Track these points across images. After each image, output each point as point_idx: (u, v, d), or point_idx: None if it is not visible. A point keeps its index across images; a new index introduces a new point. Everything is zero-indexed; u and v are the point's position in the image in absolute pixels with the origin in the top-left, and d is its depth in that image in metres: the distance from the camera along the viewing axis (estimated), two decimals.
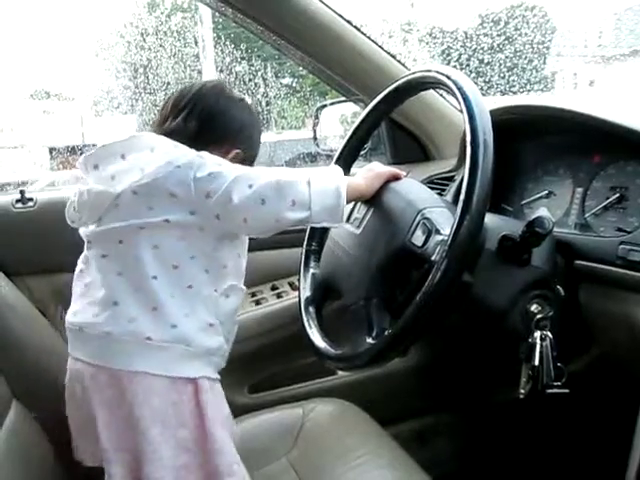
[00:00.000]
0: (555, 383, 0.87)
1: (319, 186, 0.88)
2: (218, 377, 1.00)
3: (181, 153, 0.91)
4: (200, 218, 0.90)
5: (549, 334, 0.87)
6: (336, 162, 1.15)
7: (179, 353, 0.92)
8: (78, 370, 0.95)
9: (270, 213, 0.88)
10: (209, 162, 0.90)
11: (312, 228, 1.14)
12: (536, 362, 0.86)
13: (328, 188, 0.89)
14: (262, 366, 1.42)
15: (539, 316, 0.88)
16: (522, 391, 0.90)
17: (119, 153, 0.93)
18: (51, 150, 3.62)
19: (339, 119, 1.86)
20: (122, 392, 0.90)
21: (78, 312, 0.96)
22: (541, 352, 0.86)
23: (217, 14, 1.54)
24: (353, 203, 1.03)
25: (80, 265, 1.00)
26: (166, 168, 0.88)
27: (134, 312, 0.91)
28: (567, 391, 0.88)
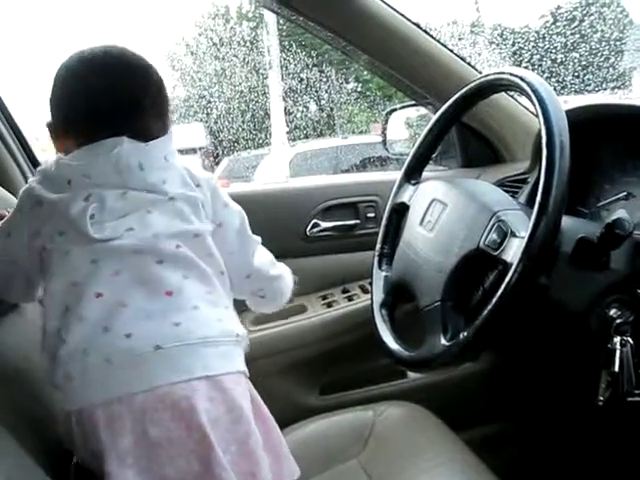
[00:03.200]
0: (636, 391, 0.85)
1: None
2: None
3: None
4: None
5: (630, 340, 0.85)
6: (407, 167, 1.16)
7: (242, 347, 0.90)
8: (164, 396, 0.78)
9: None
10: None
11: (385, 231, 1.15)
12: (616, 368, 0.84)
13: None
14: (333, 368, 1.44)
15: (619, 321, 0.85)
16: (601, 398, 0.88)
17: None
18: None
19: (405, 122, 1.86)
20: (226, 398, 0.80)
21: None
22: (621, 358, 0.84)
23: (282, 21, 1.57)
24: (426, 206, 1.04)
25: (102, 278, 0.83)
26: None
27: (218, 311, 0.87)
28: None
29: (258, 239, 1.00)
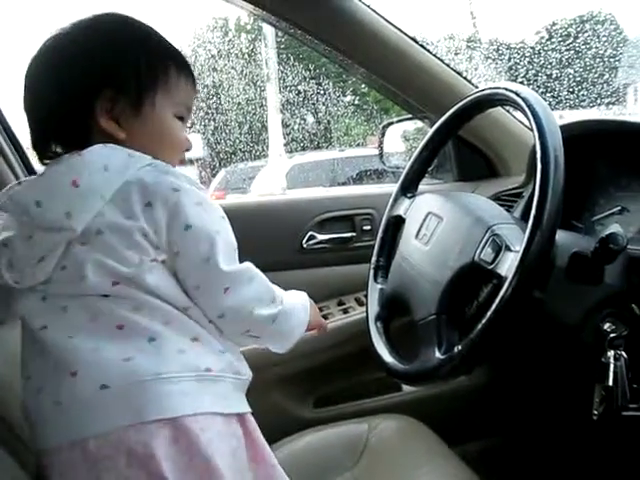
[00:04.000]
0: (631, 405, 0.85)
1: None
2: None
3: None
4: None
5: (623, 354, 0.85)
6: (403, 180, 1.17)
7: (232, 384, 0.80)
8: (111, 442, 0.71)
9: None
10: None
11: (380, 244, 1.15)
12: (610, 382, 0.84)
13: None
14: (328, 381, 1.44)
15: (612, 335, 0.86)
16: (595, 412, 0.88)
17: None
18: None
19: (401, 136, 1.87)
20: (191, 444, 0.72)
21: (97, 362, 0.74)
22: (615, 372, 0.84)
23: (280, 34, 1.59)
24: (422, 219, 1.04)
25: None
26: None
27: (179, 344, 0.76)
28: None
29: (241, 269, 0.81)
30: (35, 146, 0.84)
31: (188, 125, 0.92)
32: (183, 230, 0.75)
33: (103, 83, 0.79)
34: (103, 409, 0.71)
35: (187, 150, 0.90)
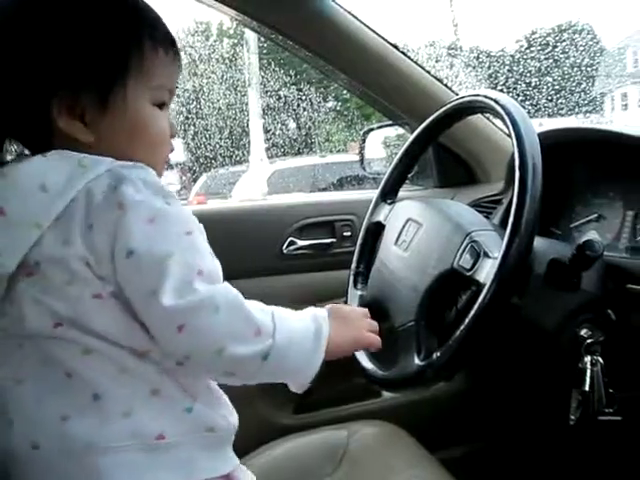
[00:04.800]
0: (607, 410, 0.86)
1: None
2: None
3: None
4: None
5: (600, 359, 0.86)
6: (383, 186, 1.17)
7: (201, 445, 0.68)
8: None
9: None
10: None
11: (360, 250, 1.15)
12: (587, 387, 0.85)
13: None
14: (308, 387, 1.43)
15: (589, 341, 0.87)
16: (572, 417, 0.89)
17: None
18: None
19: (383, 142, 1.88)
20: None
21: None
22: (592, 377, 0.85)
23: (262, 39, 1.58)
24: (402, 226, 1.04)
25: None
26: None
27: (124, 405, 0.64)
28: (619, 418, 0.86)
29: (201, 298, 0.62)
30: None
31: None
32: (124, 257, 0.61)
33: (56, 82, 0.64)
34: (32, 473, 0.63)
35: (172, 137, 0.75)
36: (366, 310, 0.82)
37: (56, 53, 0.64)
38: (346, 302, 1.14)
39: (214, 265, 0.66)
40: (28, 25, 0.65)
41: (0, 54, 0.65)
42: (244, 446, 1.09)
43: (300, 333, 0.68)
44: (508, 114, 0.88)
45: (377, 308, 1.06)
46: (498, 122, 1.42)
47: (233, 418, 0.73)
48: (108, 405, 0.63)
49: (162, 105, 0.71)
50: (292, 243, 1.49)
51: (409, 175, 1.21)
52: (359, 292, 1.13)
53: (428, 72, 1.47)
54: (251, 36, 4.39)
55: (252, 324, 0.65)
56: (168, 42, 0.71)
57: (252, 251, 1.47)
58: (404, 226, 1.04)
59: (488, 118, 1.50)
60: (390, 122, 1.65)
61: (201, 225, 0.69)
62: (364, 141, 1.69)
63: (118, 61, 0.66)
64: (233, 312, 0.64)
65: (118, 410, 0.63)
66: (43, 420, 0.62)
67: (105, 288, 0.62)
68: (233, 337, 0.63)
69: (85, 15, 0.66)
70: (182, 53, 0.78)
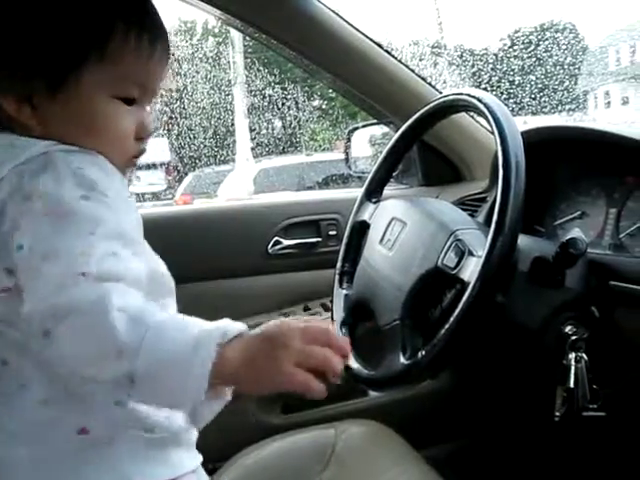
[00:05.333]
0: (591, 406, 0.87)
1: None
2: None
3: None
4: None
5: (584, 356, 0.87)
6: (368, 185, 1.17)
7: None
8: None
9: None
10: None
11: (345, 249, 1.15)
12: (571, 384, 0.86)
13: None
14: None
15: (573, 337, 0.87)
16: (557, 413, 0.90)
17: None
18: None
19: (369, 140, 1.88)
20: None
21: None
22: (576, 374, 0.86)
23: (247, 38, 1.58)
24: (386, 225, 1.04)
25: None
26: None
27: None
28: (603, 414, 0.87)
29: (70, 300, 0.55)
30: None
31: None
32: (15, 251, 0.57)
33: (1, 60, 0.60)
34: None
35: (141, 139, 0.68)
36: (327, 330, 0.59)
37: (6, 29, 0.60)
38: (332, 301, 1.14)
39: (117, 272, 0.56)
40: None
41: None
42: (232, 446, 1.09)
43: (173, 355, 0.54)
44: (491, 112, 0.89)
45: (362, 307, 1.06)
46: (482, 120, 1.43)
47: (179, 419, 0.65)
48: (28, 394, 0.60)
49: (130, 101, 0.65)
50: (277, 243, 1.49)
51: (394, 174, 1.21)
52: (344, 291, 1.13)
53: (412, 71, 1.48)
54: (236, 35, 4.38)
55: (110, 341, 0.54)
56: (148, 30, 0.63)
57: (238, 251, 1.46)
58: (389, 225, 1.04)
59: (472, 116, 1.50)
60: (375, 121, 1.65)
61: (133, 229, 0.63)
62: (349, 140, 1.69)
63: (75, 43, 0.60)
64: (95, 330, 0.54)
65: (35, 398, 0.61)
66: None
67: (11, 282, 0.59)
68: (83, 358, 0.56)
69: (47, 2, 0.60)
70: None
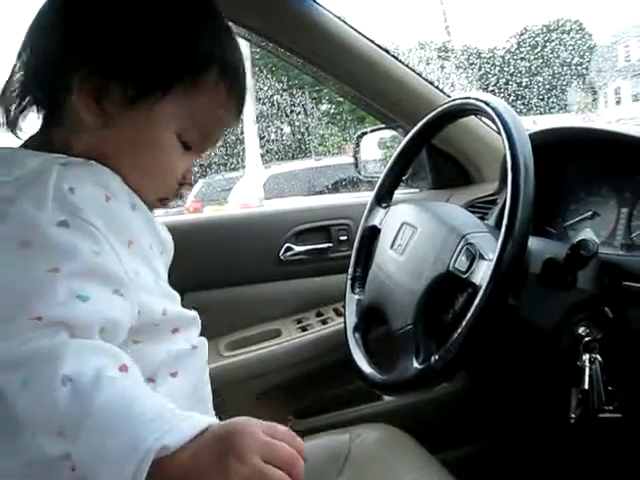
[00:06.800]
0: (607, 407, 0.86)
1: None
2: None
3: None
4: None
5: (598, 357, 0.86)
6: (378, 190, 1.18)
7: None
8: None
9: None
10: None
11: (357, 255, 1.16)
12: (586, 386, 0.86)
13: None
14: (308, 392, 1.43)
15: (587, 339, 0.87)
16: (573, 415, 0.90)
17: None
18: None
19: (378, 143, 1.89)
20: None
21: None
22: (590, 375, 0.86)
23: (254, 46, 1.58)
24: (397, 229, 1.05)
25: None
26: None
27: None
28: (619, 415, 0.87)
29: (22, 352, 0.50)
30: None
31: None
32: None
33: (80, 58, 0.59)
34: None
35: (183, 184, 0.66)
36: (293, 453, 0.52)
37: (126, 23, 0.59)
38: (344, 306, 1.15)
39: (78, 317, 0.51)
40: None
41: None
42: None
43: (110, 452, 0.47)
44: (499, 115, 0.89)
45: (375, 312, 1.06)
46: (490, 122, 1.43)
47: None
48: None
49: (187, 146, 0.64)
50: (289, 249, 1.49)
51: (403, 178, 1.21)
52: (357, 296, 1.13)
53: (419, 75, 1.48)
54: (243, 43, 4.40)
55: (56, 415, 0.48)
56: (239, 84, 0.65)
57: (249, 258, 1.47)
58: (399, 230, 1.04)
59: (480, 118, 1.50)
60: (383, 125, 1.65)
61: (129, 261, 0.58)
62: (358, 145, 1.70)
63: (174, 66, 0.60)
64: (39, 398, 0.49)
65: None
66: None
67: None
68: (38, 424, 0.50)
69: (165, 15, 0.61)
70: None
